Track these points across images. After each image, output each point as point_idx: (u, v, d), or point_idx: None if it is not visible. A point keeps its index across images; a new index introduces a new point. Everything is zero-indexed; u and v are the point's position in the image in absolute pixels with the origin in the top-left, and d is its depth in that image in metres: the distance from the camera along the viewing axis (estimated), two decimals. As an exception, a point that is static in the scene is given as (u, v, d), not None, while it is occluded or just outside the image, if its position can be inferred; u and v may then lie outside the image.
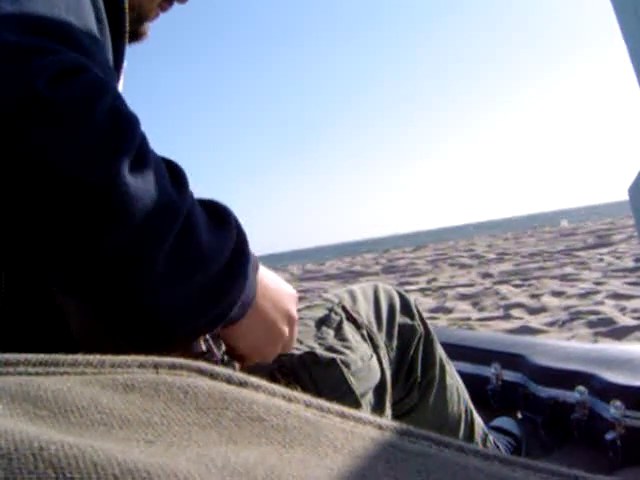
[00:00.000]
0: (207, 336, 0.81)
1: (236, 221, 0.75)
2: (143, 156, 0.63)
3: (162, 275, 0.64)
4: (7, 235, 0.60)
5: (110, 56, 0.77)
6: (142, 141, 0.64)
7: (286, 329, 0.87)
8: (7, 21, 0.62)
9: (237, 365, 0.87)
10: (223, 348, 0.84)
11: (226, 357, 0.85)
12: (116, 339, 0.70)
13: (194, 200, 0.69)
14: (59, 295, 0.71)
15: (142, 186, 0.61)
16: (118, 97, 0.64)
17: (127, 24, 0.83)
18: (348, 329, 1.11)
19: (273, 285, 0.86)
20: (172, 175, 0.68)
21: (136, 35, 1.00)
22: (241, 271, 0.73)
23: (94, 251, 0.60)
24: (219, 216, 0.73)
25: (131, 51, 0.99)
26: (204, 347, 0.81)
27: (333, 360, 1.00)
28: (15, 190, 0.57)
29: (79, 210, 0.58)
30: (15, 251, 0.63)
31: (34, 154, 0.57)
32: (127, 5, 0.82)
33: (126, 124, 0.63)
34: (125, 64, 0.90)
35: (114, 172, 0.59)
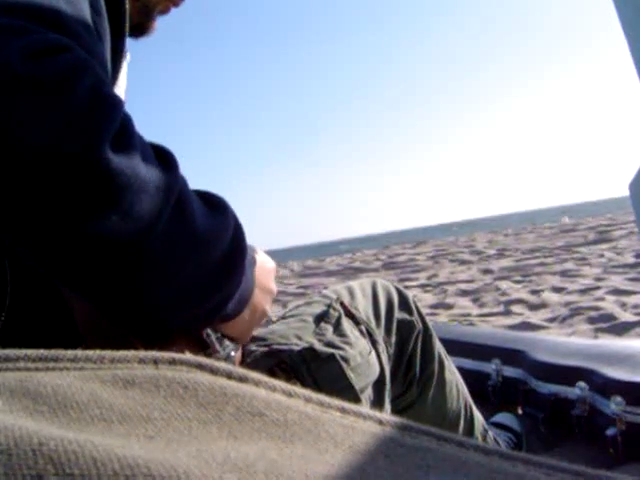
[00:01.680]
0: (209, 331, 0.82)
1: (233, 213, 0.74)
2: (127, 136, 0.62)
3: (155, 256, 0.62)
4: None
5: (107, 46, 0.76)
6: (126, 122, 0.62)
7: (269, 307, 0.89)
8: None
9: (237, 358, 0.87)
10: (225, 343, 0.85)
11: (228, 352, 0.85)
12: (120, 330, 0.69)
13: (186, 183, 0.68)
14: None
15: (126, 163, 0.59)
16: (100, 79, 0.62)
17: (127, 16, 0.82)
18: (347, 325, 1.12)
19: (259, 268, 0.85)
20: (161, 157, 0.66)
21: (143, 28, 0.99)
22: (239, 262, 0.73)
23: (78, 236, 0.58)
24: (215, 205, 0.72)
25: (134, 44, 0.99)
26: (206, 342, 0.81)
27: (332, 355, 1.00)
28: None
29: (59, 190, 0.56)
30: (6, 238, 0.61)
31: (10, 131, 0.55)
32: None
33: (106, 103, 0.61)
34: (129, 57, 0.90)
35: (94, 145, 0.57)
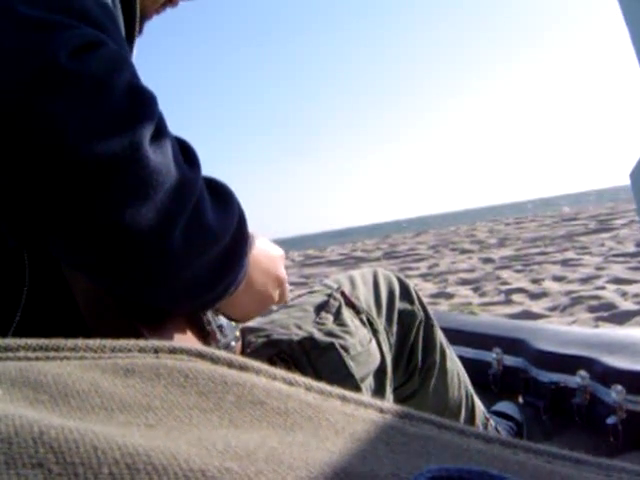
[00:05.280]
0: (210, 318, 0.83)
1: (237, 201, 0.76)
2: (162, 133, 0.64)
3: (177, 251, 0.64)
4: (26, 211, 0.60)
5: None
6: (160, 118, 0.65)
7: (276, 293, 0.91)
8: None
9: (237, 348, 0.88)
10: (225, 332, 0.86)
11: (229, 341, 0.86)
12: (124, 318, 0.70)
13: (202, 179, 0.70)
14: (67, 272, 0.71)
15: (161, 160, 0.62)
16: (135, 73, 0.65)
17: (138, 14, 0.84)
18: (347, 314, 1.12)
19: (262, 252, 0.88)
20: (184, 153, 0.68)
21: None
22: (243, 250, 0.75)
23: (111, 225, 0.60)
24: (222, 195, 0.74)
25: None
26: (207, 330, 0.82)
27: (332, 344, 1.01)
28: (36, 161, 0.57)
29: (99, 182, 0.58)
30: (34, 228, 0.62)
31: (56, 125, 0.57)
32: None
33: (145, 98, 0.63)
34: (135, 52, 0.91)
35: (136, 144, 0.59)
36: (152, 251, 0.63)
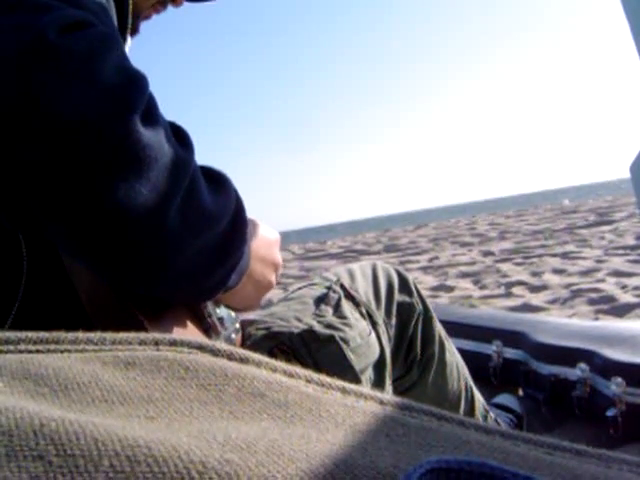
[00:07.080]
0: (210, 310, 0.82)
1: (234, 188, 0.75)
2: (154, 111, 0.64)
3: (173, 232, 0.63)
4: (19, 191, 0.59)
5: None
6: (151, 97, 0.64)
7: (273, 278, 0.91)
8: None
9: (237, 340, 0.88)
10: (226, 324, 0.86)
11: (229, 333, 0.86)
12: (127, 310, 0.70)
13: (196, 162, 0.70)
14: (69, 264, 0.71)
15: (153, 137, 0.61)
16: (125, 54, 0.64)
17: (130, 10, 0.84)
18: (347, 307, 1.12)
19: (259, 240, 0.87)
20: (177, 135, 0.68)
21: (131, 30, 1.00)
22: (242, 237, 0.74)
23: (105, 201, 0.59)
24: (218, 181, 0.73)
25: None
26: (208, 322, 0.82)
27: (332, 337, 1.01)
28: (26, 136, 0.57)
29: (92, 157, 0.57)
30: (28, 211, 0.62)
31: (47, 100, 0.56)
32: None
33: (135, 76, 0.63)
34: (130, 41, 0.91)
35: (127, 119, 0.59)
36: (147, 230, 0.61)
